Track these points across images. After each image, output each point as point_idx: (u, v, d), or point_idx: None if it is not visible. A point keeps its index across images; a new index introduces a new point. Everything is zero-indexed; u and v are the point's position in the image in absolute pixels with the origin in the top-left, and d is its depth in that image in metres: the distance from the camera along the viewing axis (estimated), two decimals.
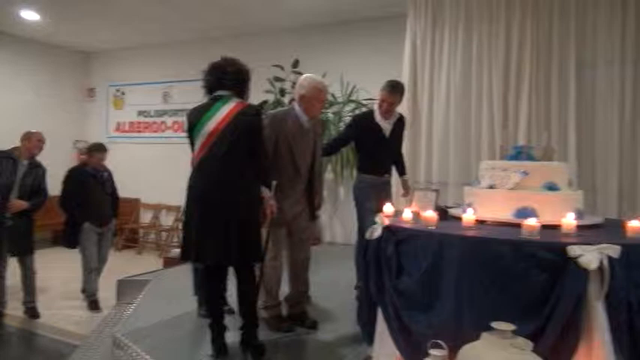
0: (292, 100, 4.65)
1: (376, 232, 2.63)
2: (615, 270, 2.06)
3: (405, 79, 5.27)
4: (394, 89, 3.79)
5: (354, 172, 6.04)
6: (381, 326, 2.65)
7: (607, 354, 2.09)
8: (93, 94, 9.09)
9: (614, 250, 2.07)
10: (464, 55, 4.97)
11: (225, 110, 2.74)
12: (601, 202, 4.49)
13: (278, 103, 6.21)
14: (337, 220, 6.72)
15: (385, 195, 3.83)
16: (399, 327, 2.50)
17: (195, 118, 2.78)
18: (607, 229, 2.55)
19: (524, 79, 4.70)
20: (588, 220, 2.64)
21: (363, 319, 2.86)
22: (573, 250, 2.08)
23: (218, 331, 2.81)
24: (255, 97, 6.18)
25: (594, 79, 4.50)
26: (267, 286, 3.23)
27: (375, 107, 3.89)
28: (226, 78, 2.80)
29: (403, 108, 5.31)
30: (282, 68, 6.30)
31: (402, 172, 4.19)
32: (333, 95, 6.24)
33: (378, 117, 3.84)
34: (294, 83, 6.43)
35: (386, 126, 3.86)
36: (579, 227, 2.42)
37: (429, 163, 5.18)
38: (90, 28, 7.36)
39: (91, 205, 4.85)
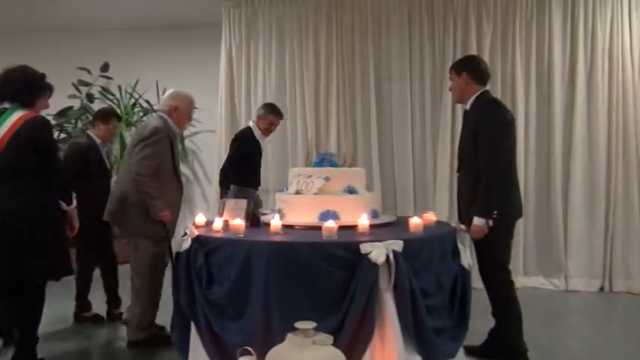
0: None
1: (185, 243, 2.57)
2: (399, 262, 2.32)
3: (221, 89, 5.29)
4: (279, 111, 4.33)
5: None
6: (195, 339, 2.60)
7: (397, 338, 2.35)
8: None
9: (398, 245, 2.33)
10: (278, 67, 5.17)
11: (7, 124, 2.52)
12: (400, 202, 5.05)
13: (85, 109, 5.69)
14: None
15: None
16: (211, 339, 2.47)
17: None
18: (396, 227, 2.86)
19: (332, 92, 5.07)
20: (381, 220, 2.94)
21: (177, 334, 2.77)
22: (364, 248, 2.29)
23: None
24: (58, 102, 5.62)
25: (390, 93, 5.04)
26: (155, 297, 3.18)
27: (253, 125, 4.27)
28: (9, 88, 2.59)
29: (221, 118, 5.34)
30: (89, 72, 5.79)
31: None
32: (148, 102, 5.95)
33: (257, 135, 4.25)
34: (104, 88, 6.00)
35: (264, 144, 4.38)
36: (373, 226, 2.67)
37: None
38: None
39: None
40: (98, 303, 3.92)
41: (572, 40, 4.73)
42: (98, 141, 3.84)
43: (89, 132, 3.97)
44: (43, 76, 2.73)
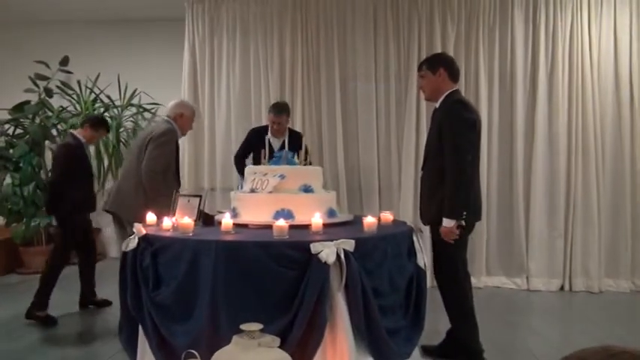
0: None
1: (132, 243, 2.48)
2: (351, 261, 2.27)
3: (184, 85, 5.17)
4: (281, 110, 4.16)
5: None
6: (142, 342, 2.51)
7: (348, 339, 2.30)
8: None
9: (349, 244, 2.28)
10: (242, 65, 5.07)
11: None
12: (366, 201, 5.02)
13: (43, 104, 5.49)
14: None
15: None
16: (158, 342, 2.39)
17: None
18: (351, 226, 2.81)
19: (297, 90, 4.99)
20: (337, 219, 2.88)
21: (124, 336, 2.67)
22: (315, 247, 2.23)
23: None
24: (14, 96, 5.42)
25: (355, 92, 5.00)
26: None
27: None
28: None
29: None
30: (47, 65, 5.59)
31: None
32: (109, 98, 5.79)
33: (270, 133, 4.13)
34: (63, 83, 5.81)
35: (275, 143, 4.09)
36: (328, 225, 2.62)
37: (212, 169, 5.16)
38: None
39: None
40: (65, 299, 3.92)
41: (534, 43, 4.78)
42: (83, 140, 3.94)
43: (74, 132, 4.03)
44: None
